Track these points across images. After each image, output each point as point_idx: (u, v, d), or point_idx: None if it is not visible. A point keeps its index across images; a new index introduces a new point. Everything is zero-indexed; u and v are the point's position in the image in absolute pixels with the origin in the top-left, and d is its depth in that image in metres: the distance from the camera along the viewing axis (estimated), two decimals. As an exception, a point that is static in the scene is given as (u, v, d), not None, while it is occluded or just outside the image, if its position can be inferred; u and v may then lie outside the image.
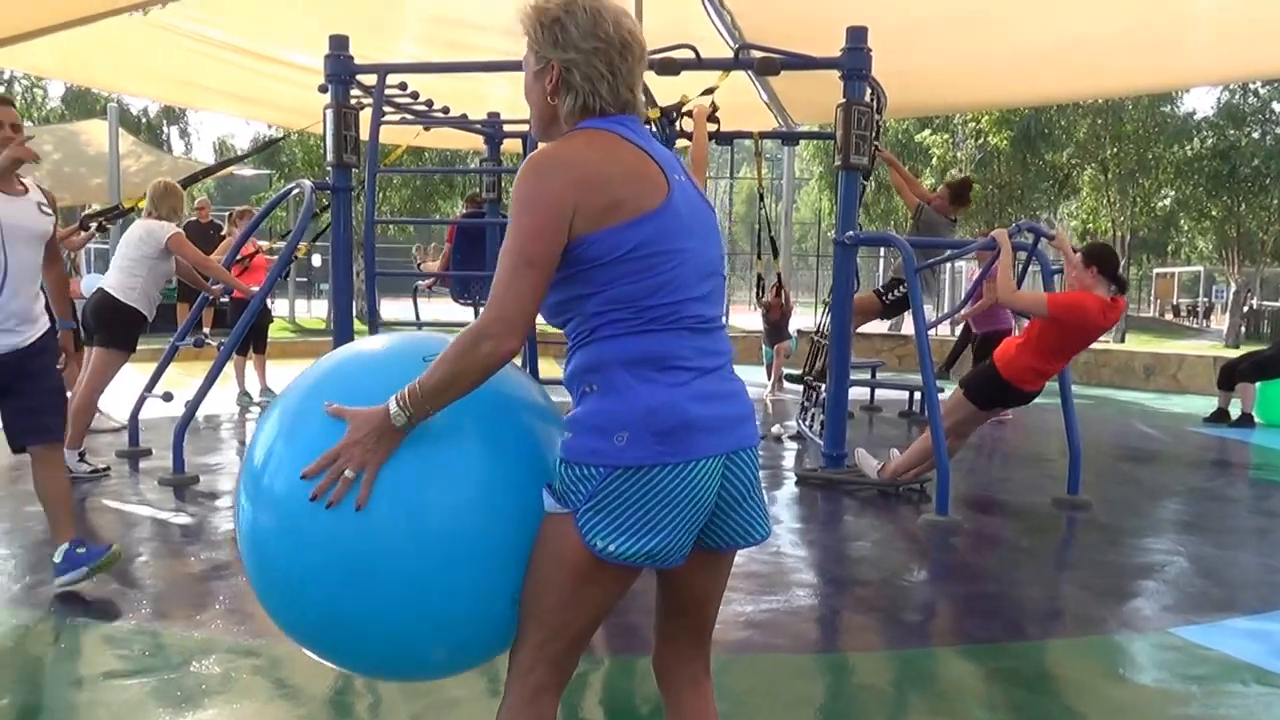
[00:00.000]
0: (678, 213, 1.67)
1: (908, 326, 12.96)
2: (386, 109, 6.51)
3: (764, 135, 7.62)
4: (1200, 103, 34.97)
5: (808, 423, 7.22)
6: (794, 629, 3.44)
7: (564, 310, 1.69)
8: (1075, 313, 4.94)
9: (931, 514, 4.95)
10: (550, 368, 10.40)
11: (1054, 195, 26.89)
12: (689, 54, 5.49)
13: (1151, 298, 46.68)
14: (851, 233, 5.81)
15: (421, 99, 7.31)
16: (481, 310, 1.62)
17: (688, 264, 1.67)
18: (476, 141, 10.38)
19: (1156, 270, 44.52)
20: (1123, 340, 23.73)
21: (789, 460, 6.65)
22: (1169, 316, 41.63)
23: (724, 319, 1.82)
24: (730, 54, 6.22)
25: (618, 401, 1.62)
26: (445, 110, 7.78)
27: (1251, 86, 24.26)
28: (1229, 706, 2.91)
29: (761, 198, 7.52)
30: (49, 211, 3.75)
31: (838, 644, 3.39)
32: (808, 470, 6.01)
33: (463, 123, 8.38)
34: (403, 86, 6.92)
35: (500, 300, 1.58)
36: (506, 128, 8.66)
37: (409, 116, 7.54)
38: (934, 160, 23.88)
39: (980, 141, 24.45)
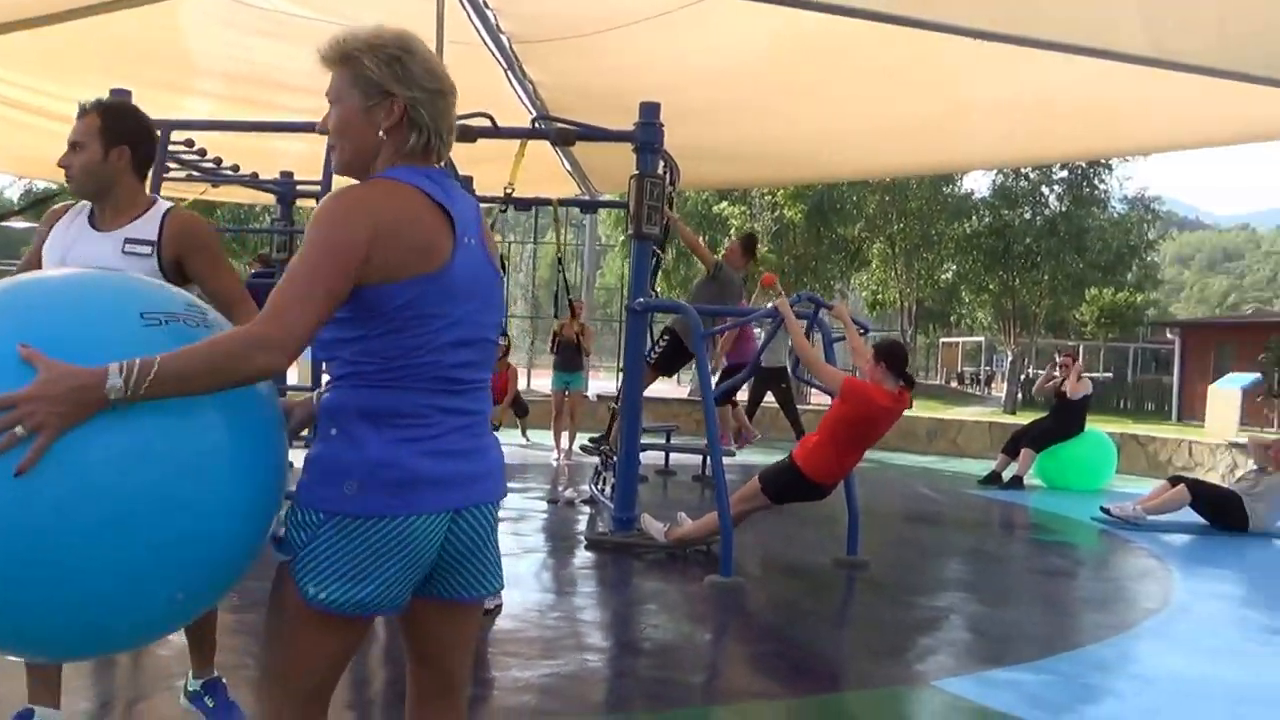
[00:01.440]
0: (455, 278, 1.70)
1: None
2: (172, 165, 6.31)
3: (564, 202, 7.81)
4: (978, 184, 38.15)
5: (600, 487, 7.32)
6: (573, 692, 3.46)
7: (328, 348, 1.69)
8: (864, 400, 5.22)
9: (716, 576, 5.10)
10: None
11: (846, 267, 28.50)
12: (486, 122, 5.60)
13: (938, 365, 49.81)
14: (642, 299, 5.99)
15: (211, 155, 7.15)
16: (263, 318, 1.55)
17: (453, 329, 1.70)
18: (269, 198, 10.16)
19: (942, 340, 47.60)
20: (910, 406, 25.19)
21: (581, 524, 6.71)
22: (954, 384, 44.49)
23: (487, 380, 1.85)
24: (528, 123, 6.36)
25: (352, 450, 1.65)
26: (235, 168, 7.61)
27: (1023, 171, 26.50)
28: (981, 752, 3.12)
29: (560, 261, 7.67)
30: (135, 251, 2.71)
31: (617, 706, 3.42)
32: (598, 534, 6.08)
33: (254, 182, 8.21)
34: (189, 143, 6.74)
35: (290, 317, 1.55)
36: (300, 187, 8.53)
37: (195, 173, 7.34)
38: (732, 231, 24.87)
39: (776, 214, 25.67)
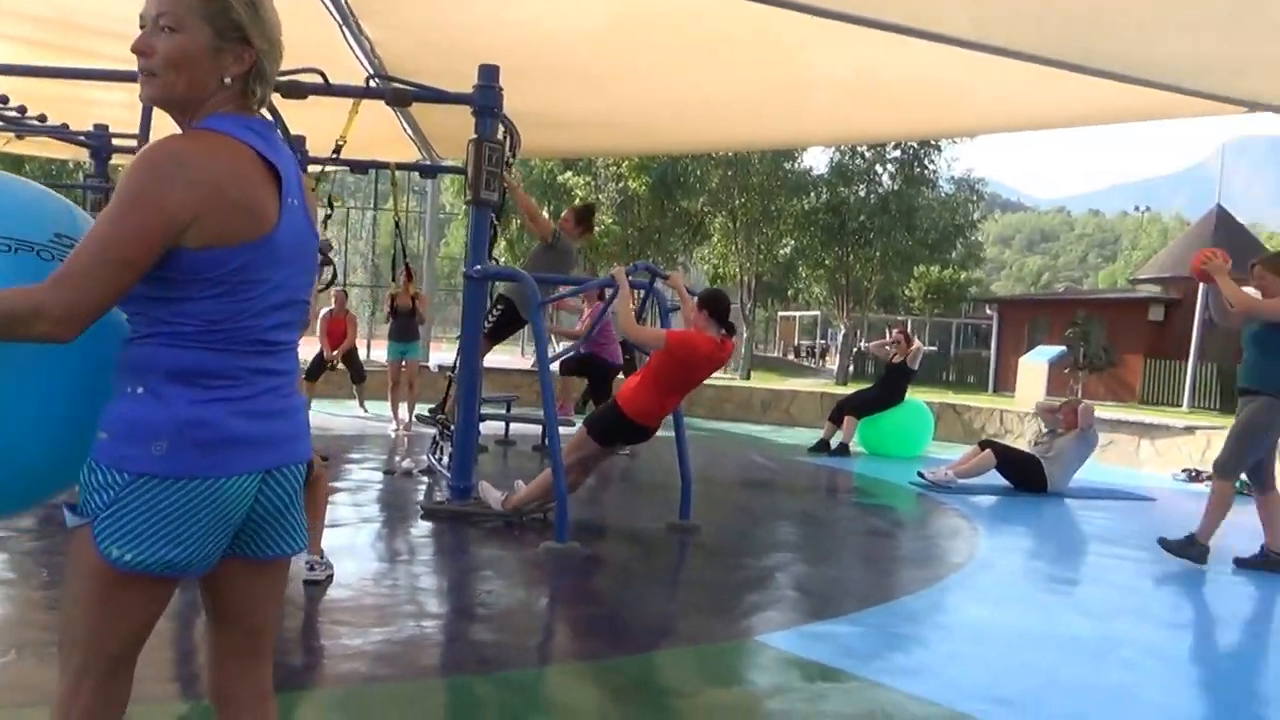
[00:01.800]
0: (279, 244, 1.66)
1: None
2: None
3: (401, 167, 7.67)
4: (817, 161, 39.38)
5: (438, 456, 7.28)
6: (405, 658, 3.46)
7: (134, 304, 1.62)
8: (688, 348, 5.37)
9: (552, 541, 5.17)
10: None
11: (689, 240, 28.92)
12: (317, 78, 5.44)
13: (776, 338, 51.20)
14: (479, 266, 5.97)
15: (14, 104, 6.70)
16: (53, 281, 1.50)
17: (272, 293, 1.67)
18: (83, 153, 9.59)
19: (780, 313, 48.90)
20: (748, 377, 25.83)
21: (419, 494, 6.66)
22: (791, 356, 45.84)
23: (296, 340, 1.83)
24: (363, 82, 6.20)
25: (161, 410, 1.59)
26: (42, 118, 7.16)
27: (859, 149, 27.37)
28: (796, 701, 3.27)
29: (398, 226, 7.53)
30: None
31: (450, 670, 3.44)
32: (434, 504, 6.06)
33: (63, 134, 7.74)
34: (-14, 89, 6.31)
35: (81, 288, 1.49)
36: (116, 141, 8.09)
37: (-3, 122, 6.89)
38: (576, 201, 24.88)
39: (621, 185, 25.79)
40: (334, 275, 6.01)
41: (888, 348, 10.76)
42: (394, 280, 8.35)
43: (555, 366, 8.50)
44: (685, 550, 5.57)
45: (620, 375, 9.35)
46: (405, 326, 10.41)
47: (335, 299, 10.46)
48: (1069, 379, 26.09)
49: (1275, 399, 5.59)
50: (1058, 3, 7.49)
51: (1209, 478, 9.42)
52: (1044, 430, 9.08)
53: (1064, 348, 21.37)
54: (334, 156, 5.78)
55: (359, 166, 7.58)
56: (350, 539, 5.23)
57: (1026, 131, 12.07)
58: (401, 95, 5.67)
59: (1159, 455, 10.85)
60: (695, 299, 5.62)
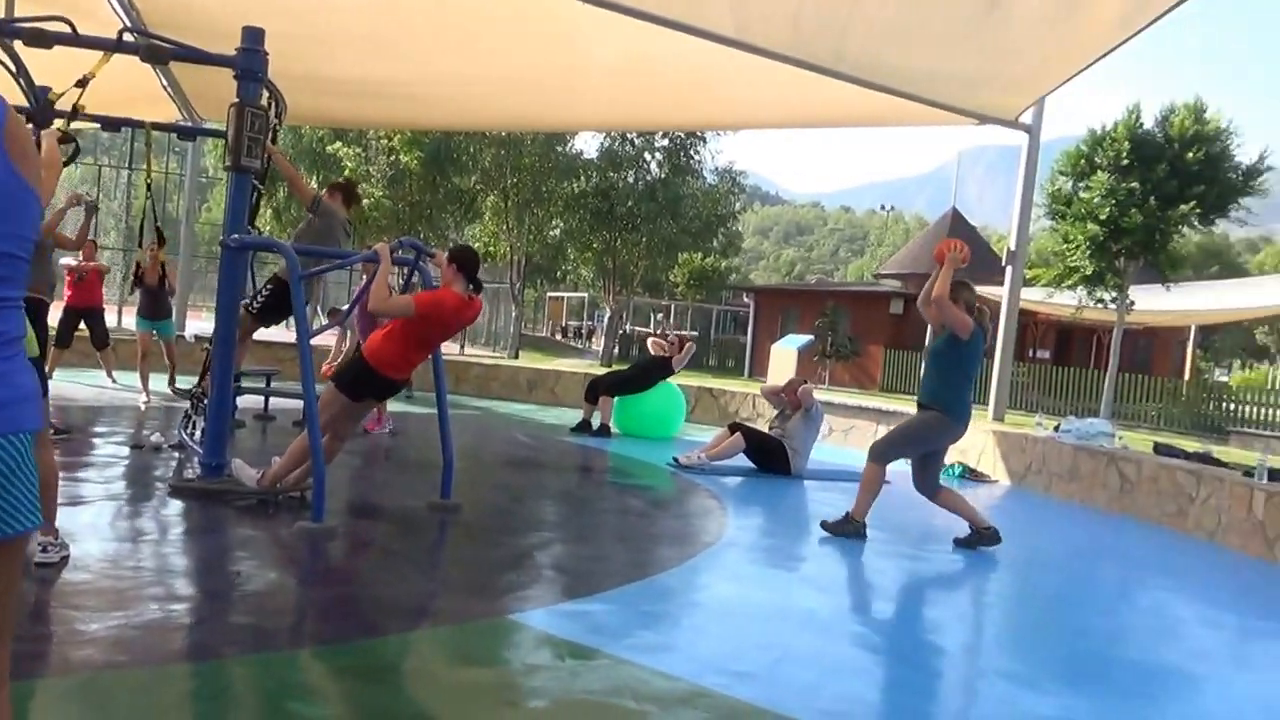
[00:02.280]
0: None
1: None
2: None
3: (157, 127, 7.19)
4: (587, 145, 39.58)
5: (190, 431, 6.93)
6: (145, 643, 3.29)
7: None
8: (436, 307, 5.34)
9: (308, 520, 5.03)
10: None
11: (460, 217, 28.53)
12: (64, 27, 5.04)
13: (545, 318, 51.36)
14: (237, 235, 5.71)
15: None
16: None
17: None
18: None
19: (550, 294, 49.10)
20: (516, 356, 25.82)
21: (167, 470, 6.32)
22: (558, 336, 46.14)
23: (19, 299, 1.72)
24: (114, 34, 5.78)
25: None
26: None
27: (629, 136, 27.76)
28: (547, 679, 3.33)
29: (149, 189, 7.08)
30: None
31: (194, 655, 3.29)
32: (184, 480, 5.77)
33: None
34: None
35: None
36: None
37: None
38: (346, 172, 24.04)
39: (393, 159, 25.11)
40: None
41: (665, 348, 10.97)
42: (140, 245, 7.80)
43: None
44: (445, 529, 5.55)
45: None
46: (155, 301, 9.81)
47: (84, 250, 9.61)
48: (817, 366, 27.56)
49: (944, 417, 6.09)
50: (812, 9, 7.91)
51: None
52: (776, 413, 9.50)
53: (813, 336, 22.55)
54: (81, 111, 5.36)
55: (111, 124, 7.05)
56: (91, 518, 4.91)
57: (784, 129, 12.66)
58: (157, 52, 5.32)
59: (893, 440, 11.52)
60: (445, 254, 5.60)
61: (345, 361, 5.54)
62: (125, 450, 6.94)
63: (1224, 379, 37.66)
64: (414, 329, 5.36)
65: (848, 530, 6.16)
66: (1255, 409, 19.94)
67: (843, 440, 11.93)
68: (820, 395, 9.76)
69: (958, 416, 6.08)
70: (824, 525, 6.27)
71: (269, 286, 7.32)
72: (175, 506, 5.39)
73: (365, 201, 9.19)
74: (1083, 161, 19.53)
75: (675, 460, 8.60)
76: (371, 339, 5.49)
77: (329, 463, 5.34)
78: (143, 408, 9.27)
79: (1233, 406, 20.50)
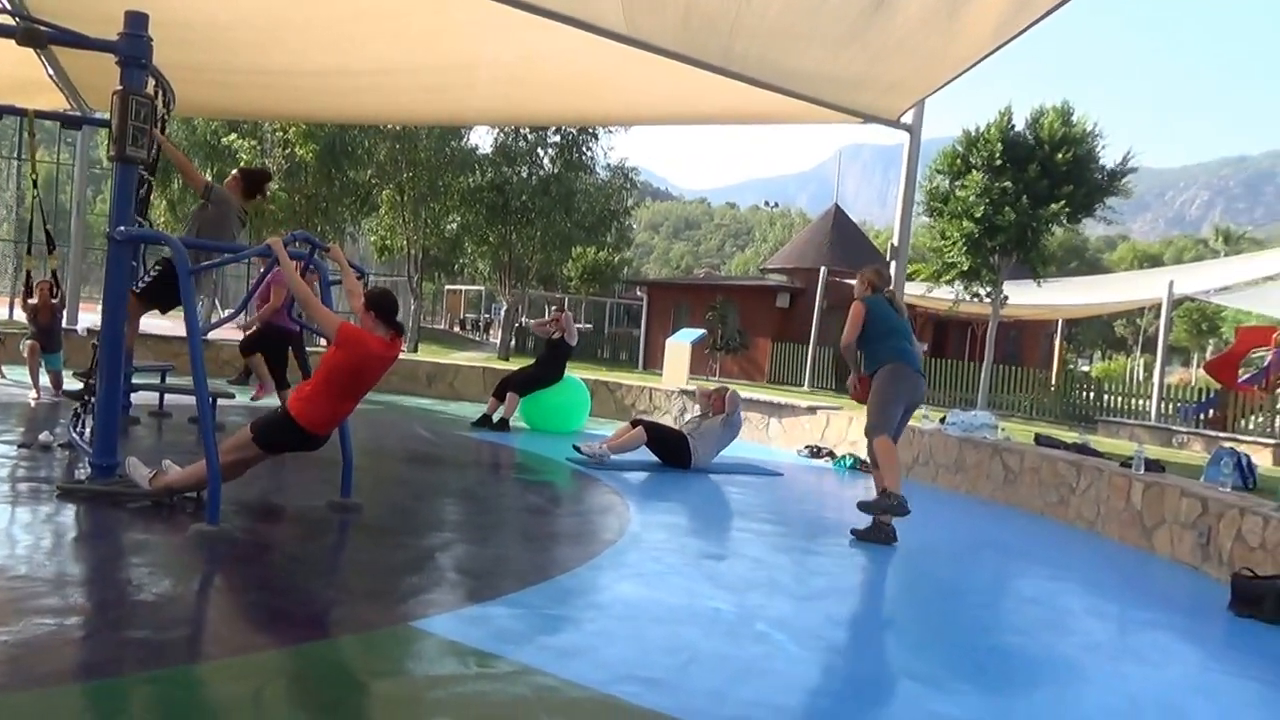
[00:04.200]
0: None
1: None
2: None
3: (40, 115, 6.75)
4: (482, 140, 38.82)
5: (79, 430, 6.49)
6: (27, 663, 2.99)
7: None
8: (359, 346, 5.06)
9: (204, 524, 4.73)
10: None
11: (356, 211, 27.87)
12: (-72, 7, 4.64)
13: (443, 311, 50.62)
14: (123, 228, 5.35)
15: None
16: None
17: None
18: None
19: (447, 287, 48.40)
20: (415, 350, 25.30)
21: (55, 471, 5.92)
22: (457, 329, 45.55)
23: None
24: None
25: None
26: None
27: (522, 131, 27.48)
28: (451, 689, 3.16)
29: (35, 184, 6.62)
30: None
31: (77, 675, 3.01)
32: (73, 482, 5.40)
33: None
34: None
35: None
36: None
37: None
38: (242, 164, 23.21)
39: (288, 151, 24.38)
40: None
41: (548, 327, 10.86)
42: (29, 252, 7.35)
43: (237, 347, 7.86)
44: (345, 531, 5.31)
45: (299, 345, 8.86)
46: (47, 335, 9.28)
47: None
48: (708, 359, 27.73)
49: (887, 371, 6.27)
50: (701, 8, 7.85)
51: (829, 453, 10.46)
52: (697, 411, 9.50)
53: (703, 330, 22.66)
54: None
55: (-10, 110, 6.58)
56: (-36, 526, 4.53)
57: (673, 125, 12.61)
58: (34, 35, 4.94)
59: (785, 432, 11.60)
60: (362, 293, 5.36)
61: (266, 415, 5.21)
62: (13, 450, 6.48)
63: (1085, 369, 39.37)
64: (337, 380, 5.10)
65: (890, 506, 6.11)
66: (1121, 399, 20.78)
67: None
68: (714, 388, 9.74)
69: (896, 362, 6.25)
70: (862, 505, 6.26)
71: (158, 267, 6.95)
72: (62, 510, 5.03)
73: (270, 188, 8.76)
74: (958, 161, 19.96)
75: (576, 449, 8.49)
76: (298, 394, 5.20)
77: (228, 479, 5.05)
78: (32, 404, 8.70)
79: (1102, 397, 21.27)
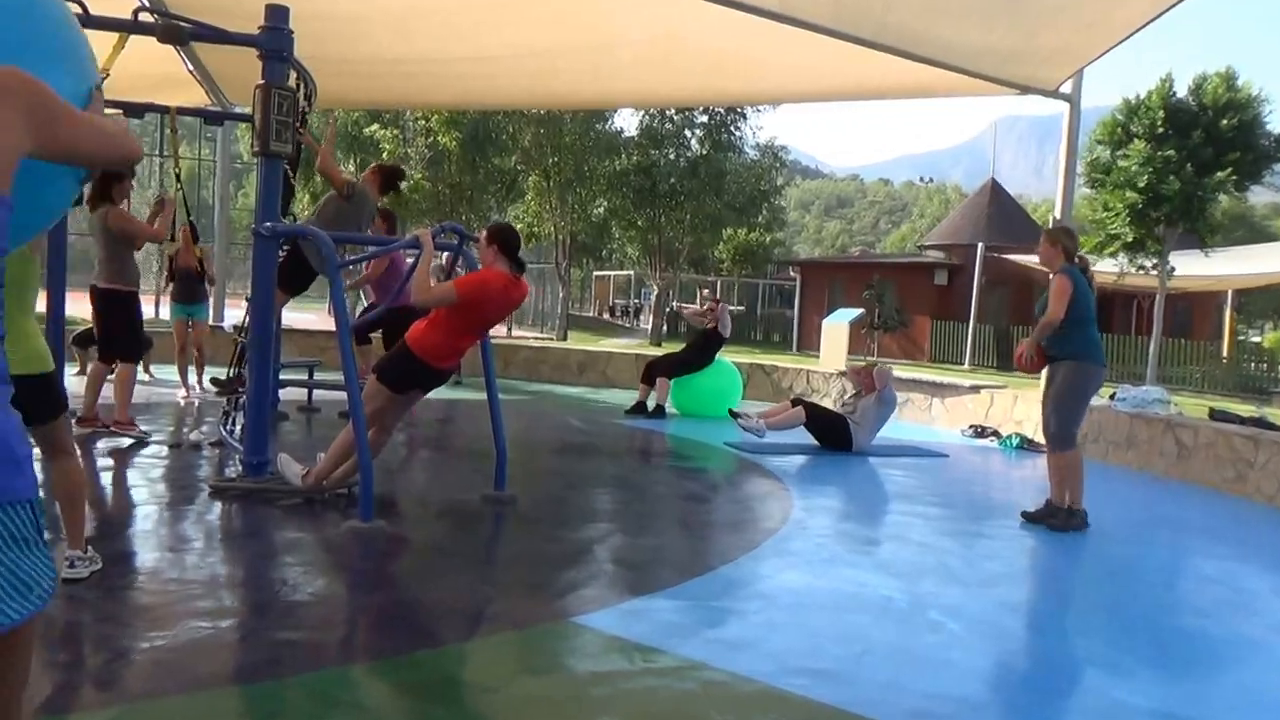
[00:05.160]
0: None
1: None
2: None
3: (181, 112, 6.97)
4: (627, 123, 38.80)
5: (229, 428, 6.68)
6: (187, 666, 3.01)
7: None
8: (480, 289, 5.00)
9: (356, 520, 4.76)
10: None
11: (502, 198, 28.30)
12: (75, 8, 4.76)
13: (591, 298, 51.13)
14: (269, 224, 5.44)
15: None
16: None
17: None
18: None
19: (596, 273, 48.83)
20: (564, 338, 25.60)
21: (206, 470, 6.10)
22: (606, 315, 45.90)
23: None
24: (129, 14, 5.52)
25: None
26: None
27: (668, 113, 27.36)
28: (616, 686, 3.05)
29: (178, 178, 6.85)
30: None
31: (236, 678, 3.01)
32: (224, 481, 5.54)
33: None
34: None
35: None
36: None
37: None
38: (385, 155, 23.85)
39: (431, 140, 24.88)
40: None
41: (702, 316, 10.67)
42: (171, 238, 7.60)
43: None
44: (500, 525, 5.29)
45: None
46: (189, 288, 9.63)
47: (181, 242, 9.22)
48: (865, 338, 27.10)
49: (1076, 363, 5.81)
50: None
51: (993, 433, 10.03)
52: (850, 391, 9.23)
53: (861, 310, 22.14)
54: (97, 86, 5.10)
55: (134, 110, 6.82)
56: (127, 525, 4.70)
57: (823, 102, 12.32)
58: (175, 32, 5.03)
59: (949, 412, 11.27)
60: (484, 233, 5.26)
61: (389, 352, 5.23)
62: (163, 450, 6.71)
63: (1257, 340, 37.06)
64: (459, 315, 5.03)
65: (1074, 524, 5.85)
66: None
67: (898, 414, 11.52)
68: (863, 365, 9.42)
69: (1090, 360, 5.84)
70: (1030, 517, 5.99)
71: (283, 249, 6.97)
72: (215, 509, 5.15)
73: (403, 184, 8.82)
74: (1119, 130, 19.67)
75: (732, 414, 8.53)
76: (415, 327, 5.16)
77: (375, 456, 5.07)
78: (181, 403, 9.09)
79: (1276, 368, 20.36)
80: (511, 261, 5.10)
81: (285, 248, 6.98)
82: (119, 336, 6.91)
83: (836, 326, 14.80)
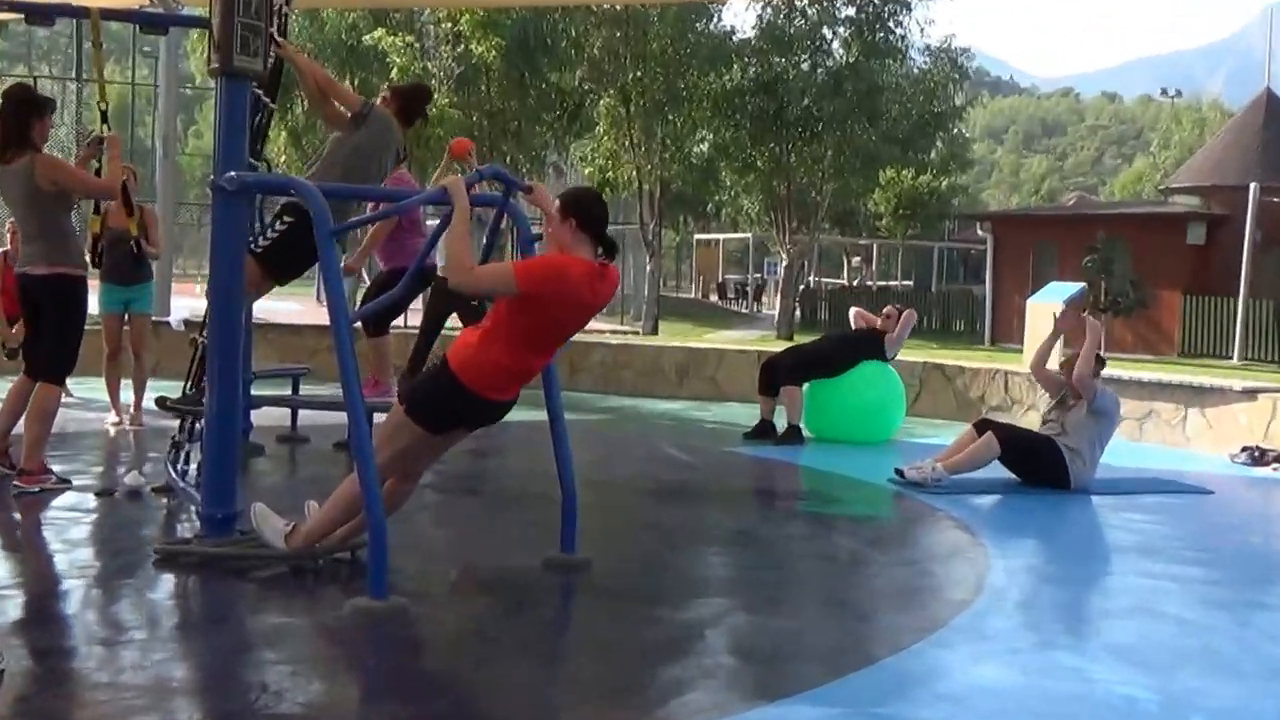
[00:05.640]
0: None
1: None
2: None
3: (108, 15, 7.08)
4: (740, 21, 38.57)
5: (181, 466, 6.75)
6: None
7: None
8: (553, 281, 4.87)
9: (364, 598, 4.74)
10: None
11: (563, 131, 28.38)
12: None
13: (692, 273, 51.21)
14: (234, 173, 5.44)
15: None
16: None
17: None
18: None
19: (698, 237, 48.97)
20: (654, 331, 25.62)
21: (149, 528, 6.23)
22: (714, 298, 45.98)
23: None
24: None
25: None
26: None
27: (798, 4, 27.21)
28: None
29: (104, 115, 6.96)
30: None
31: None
32: (176, 543, 5.63)
33: None
34: None
35: None
36: None
37: None
38: (394, 72, 23.95)
39: (460, 50, 25.00)
40: None
41: (881, 324, 10.59)
42: (95, 212, 7.58)
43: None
44: (570, 601, 5.37)
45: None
46: (125, 263, 9.29)
47: (10, 229, 9.37)
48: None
49: None
50: None
51: (1277, 459, 9.72)
52: (1052, 401, 9.02)
53: (1084, 284, 21.75)
54: None
55: (40, 12, 6.95)
56: (38, 611, 4.80)
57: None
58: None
59: (1211, 428, 10.99)
60: (557, 205, 5.17)
61: (415, 349, 5.21)
62: (90, 501, 6.79)
63: None
64: (523, 323, 4.91)
65: None
66: None
67: (1135, 432, 11.39)
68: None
69: None
70: None
71: (285, 219, 7.05)
72: (165, 584, 5.21)
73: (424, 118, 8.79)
74: None
75: (899, 474, 8.30)
76: (462, 341, 5.10)
77: (392, 511, 5.08)
78: (112, 431, 9.25)
79: None
80: (598, 242, 5.01)
81: (287, 220, 7.00)
82: (63, 342, 6.93)
83: (1048, 308, 14.54)
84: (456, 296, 8.82)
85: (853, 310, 11.43)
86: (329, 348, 11.93)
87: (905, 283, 40.89)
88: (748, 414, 10.98)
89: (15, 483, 6.80)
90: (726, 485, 8.35)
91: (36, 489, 6.76)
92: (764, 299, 41.61)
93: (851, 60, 28.02)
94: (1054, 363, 9.32)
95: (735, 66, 28.06)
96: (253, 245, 6.80)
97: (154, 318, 10.69)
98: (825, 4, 27.23)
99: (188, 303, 14.03)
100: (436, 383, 5.02)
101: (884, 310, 10.93)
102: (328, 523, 5.16)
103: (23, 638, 4.30)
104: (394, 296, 6.96)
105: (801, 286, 30.15)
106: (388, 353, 8.58)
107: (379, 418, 6.26)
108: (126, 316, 9.68)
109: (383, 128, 7.40)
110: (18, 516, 6.32)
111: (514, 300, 4.87)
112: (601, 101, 27.97)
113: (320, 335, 12.76)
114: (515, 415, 10.25)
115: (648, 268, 29.31)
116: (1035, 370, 9.49)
